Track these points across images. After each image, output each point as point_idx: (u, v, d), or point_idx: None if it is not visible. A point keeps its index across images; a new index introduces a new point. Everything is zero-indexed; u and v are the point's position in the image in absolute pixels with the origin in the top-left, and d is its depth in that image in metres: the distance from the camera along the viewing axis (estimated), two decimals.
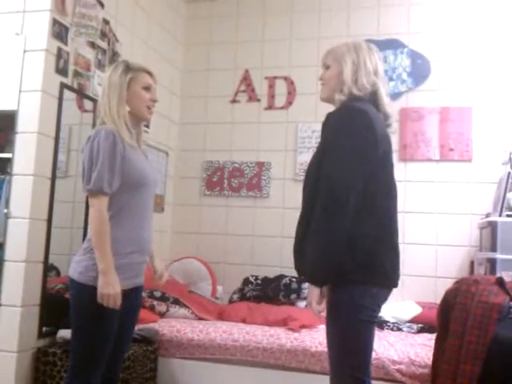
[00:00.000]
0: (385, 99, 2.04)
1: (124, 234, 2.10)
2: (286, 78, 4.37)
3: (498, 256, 3.19)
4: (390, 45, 4.17)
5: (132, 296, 2.16)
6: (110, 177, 2.04)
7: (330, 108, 2.06)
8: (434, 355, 2.57)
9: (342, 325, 1.92)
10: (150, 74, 2.27)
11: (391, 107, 2.09)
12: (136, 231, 2.14)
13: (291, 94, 4.34)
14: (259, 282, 3.96)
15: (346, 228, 1.82)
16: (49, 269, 2.96)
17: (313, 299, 1.90)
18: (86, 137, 2.13)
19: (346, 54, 2.05)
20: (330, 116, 1.99)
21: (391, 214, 1.99)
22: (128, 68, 2.20)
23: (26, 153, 2.86)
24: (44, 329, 2.92)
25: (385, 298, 1.99)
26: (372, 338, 1.99)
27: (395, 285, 1.98)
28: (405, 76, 4.14)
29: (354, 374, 1.92)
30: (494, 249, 3.25)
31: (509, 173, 3.47)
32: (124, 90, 2.16)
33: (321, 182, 1.88)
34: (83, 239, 2.84)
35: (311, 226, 1.87)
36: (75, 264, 2.09)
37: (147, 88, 2.23)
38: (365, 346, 1.96)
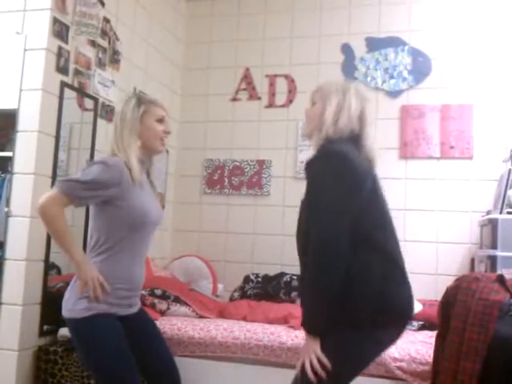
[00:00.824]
0: (368, 144, 1.99)
1: (115, 272, 2.10)
2: (286, 76, 4.36)
3: (499, 253, 3.19)
4: (391, 42, 4.17)
5: (136, 316, 2.20)
6: (83, 194, 2.04)
7: None
8: (435, 352, 2.57)
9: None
10: (161, 105, 2.27)
11: (375, 153, 2.02)
12: (128, 270, 2.14)
13: (292, 92, 4.34)
14: (260, 279, 3.96)
15: (340, 280, 1.76)
16: (50, 267, 2.97)
17: (316, 350, 1.79)
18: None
19: (332, 94, 2.00)
20: (309, 164, 1.93)
21: (394, 247, 1.95)
22: (140, 101, 2.20)
23: (27, 151, 2.86)
24: (45, 327, 2.93)
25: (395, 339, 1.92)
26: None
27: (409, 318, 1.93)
28: (406, 74, 4.14)
29: None
30: (494, 246, 3.25)
31: (509, 170, 3.47)
32: (137, 123, 2.16)
33: (310, 237, 1.81)
34: (83, 237, 2.86)
35: (307, 279, 1.82)
36: (64, 303, 2.11)
37: (160, 120, 2.23)
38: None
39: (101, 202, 2.09)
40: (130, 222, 2.10)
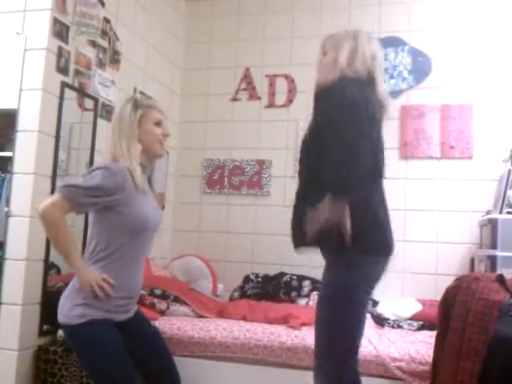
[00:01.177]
0: (381, 85, 2.02)
1: (115, 281, 2.08)
2: (286, 76, 4.36)
3: (499, 253, 3.19)
4: (391, 42, 4.17)
5: (132, 319, 2.20)
6: (85, 201, 2.02)
7: None
8: (435, 352, 2.57)
9: (339, 304, 1.93)
10: (158, 108, 2.25)
11: (388, 99, 2.08)
12: (127, 278, 2.13)
13: (292, 92, 4.34)
14: (260, 279, 3.96)
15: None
16: (49, 267, 2.97)
17: (343, 215, 1.83)
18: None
19: (344, 41, 2.04)
20: (322, 93, 1.97)
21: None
22: (136, 105, 2.18)
23: (27, 151, 2.87)
24: (45, 327, 2.93)
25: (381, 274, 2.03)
26: (364, 320, 2.01)
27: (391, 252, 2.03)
28: (406, 74, 4.14)
29: (345, 357, 1.94)
30: (494, 246, 3.25)
31: (509, 170, 3.47)
32: (135, 128, 2.14)
33: (328, 155, 1.85)
34: (83, 237, 2.85)
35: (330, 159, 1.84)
36: (60, 307, 2.10)
37: (158, 123, 2.21)
38: (358, 328, 1.97)
39: (102, 208, 2.07)
40: (132, 228, 2.10)
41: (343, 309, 1.94)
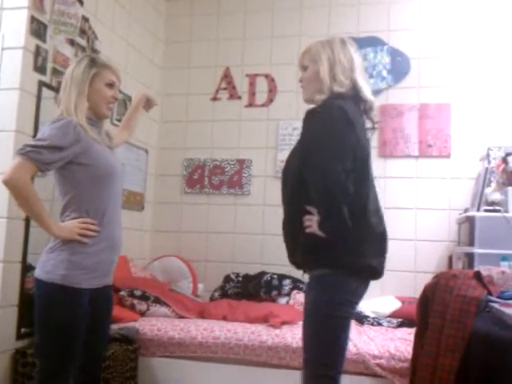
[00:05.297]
0: (365, 89, 2.03)
1: (97, 230, 2.06)
2: (266, 76, 4.37)
3: (476, 250, 3.23)
4: (370, 42, 4.20)
5: (102, 296, 2.14)
6: (49, 158, 1.97)
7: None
8: (414, 349, 2.60)
9: (320, 321, 1.94)
10: (114, 71, 2.22)
11: (374, 101, 2.10)
12: (107, 229, 2.11)
13: (272, 91, 4.34)
14: (240, 279, 3.97)
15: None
16: (27, 269, 2.92)
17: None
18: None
19: (320, 52, 2.05)
20: (310, 114, 2.00)
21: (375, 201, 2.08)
22: (93, 63, 2.15)
23: (4, 151, 2.82)
24: (22, 330, 2.89)
25: (363, 293, 2.03)
26: (348, 335, 2.01)
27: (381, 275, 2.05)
28: (385, 73, 4.17)
29: (328, 373, 1.94)
30: (471, 243, 3.29)
31: (486, 168, 3.52)
32: (86, 84, 2.11)
33: (310, 182, 1.89)
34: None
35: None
36: (42, 264, 2.05)
37: (110, 85, 2.18)
38: (340, 343, 1.98)
39: (64, 164, 2.03)
40: (99, 175, 2.07)
41: (333, 327, 1.96)
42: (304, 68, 2.13)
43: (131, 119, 2.60)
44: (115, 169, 2.16)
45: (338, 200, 1.84)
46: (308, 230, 1.92)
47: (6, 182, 1.96)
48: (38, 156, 1.96)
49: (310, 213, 1.94)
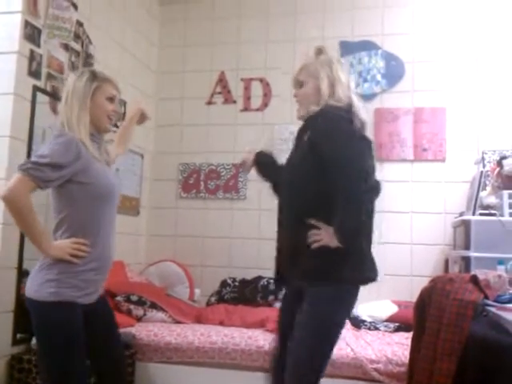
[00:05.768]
0: (361, 109, 2.06)
1: (88, 251, 2.04)
2: (261, 80, 4.37)
3: (472, 254, 3.23)
4: (365, 47, 4.21)
5: (98, 307, 2.12)
6: (50, 176, 1.96)
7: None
8: (411, 353, 2.60)
9: (322, 334, 1.96)
10: (115, 84, 2.21)
11: (366, 110, 2.11)
12: (99, 249, 2.08)
13: (267, 95, 4.35)
14: (237, 284, 3.96)
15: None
16: (23, 275, 2.91)
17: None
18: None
19: (319, 70, 2.07)
20: (314, 120, 2.01)
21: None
22: (94, 77, 2.14)
23: None
24: (18, 336, 2.88)
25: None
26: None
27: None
28: (379, 77, 4.18)
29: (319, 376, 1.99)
30: (467, 247, 3.30)
31: (481, 172, 3.53)
32: (88, 98, 2.10)
33: (341, 188, 1.91)
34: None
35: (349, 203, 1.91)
36: (30, 282, 2.04)
37: (111, 99, 2.17)
38: (332, 348, 2.02)
39: (63, 182, 2.01)
40: (97, 195, 2.05)
41: (333, 338, 2.01)
42: (300, 84, 2.14)
43: (126, 134, 2.56)
44: (114, 187, 2.15)
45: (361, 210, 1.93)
46: (316, 245, 1.94)
47: (4, 197, 1.95)
48: (38, 173, 1.94)
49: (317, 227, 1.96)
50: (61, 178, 1.99)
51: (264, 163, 2.35)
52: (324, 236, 1.94)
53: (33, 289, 2.01)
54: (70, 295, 2.00)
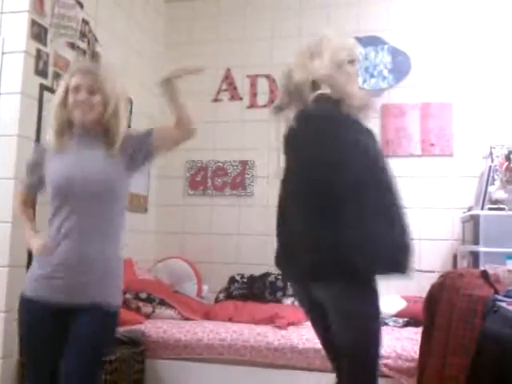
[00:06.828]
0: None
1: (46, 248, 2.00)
2: (267, 77, 4.36)
3: (481, 249, 3.22)
4: (371, 42, 4.20)
5: (79, 314, 1.93)
6: (29, 181, 2.16)
7: None
8: (421, 349, 2.59)
9: (369, 319, 1.94)
10: (75, 72, 2.09)
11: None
12: (61, 246, 1.96)
13: (273, 92, 4.33)
14: (245, 280, 3.96)
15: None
16: None
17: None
18: None
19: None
20: (318, 117, 2.02)
21: None
22: (66, 75, 2.10)
23: (6, 156, 2.82)
24: None
25: None
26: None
27: None
28: (386, 73, 4.17)
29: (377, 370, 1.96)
30: (476, 242, 3.29)
31: (490, 166, 3.52)
32: (62, 98, 2.07)
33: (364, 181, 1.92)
34: None
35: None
36: None
37: (76, 88, 2.05)
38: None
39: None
40: (49, 191, 2.03)
41: (374, 333, 1.96)
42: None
43: (175, 111, 2.30)
44: (60, 183, 1.99)
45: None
46: None
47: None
48: (25, 179, 2.18)
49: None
50: (34, 182, 2.14)
51: None
52: None
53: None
54: (27, 289, 2.02)
